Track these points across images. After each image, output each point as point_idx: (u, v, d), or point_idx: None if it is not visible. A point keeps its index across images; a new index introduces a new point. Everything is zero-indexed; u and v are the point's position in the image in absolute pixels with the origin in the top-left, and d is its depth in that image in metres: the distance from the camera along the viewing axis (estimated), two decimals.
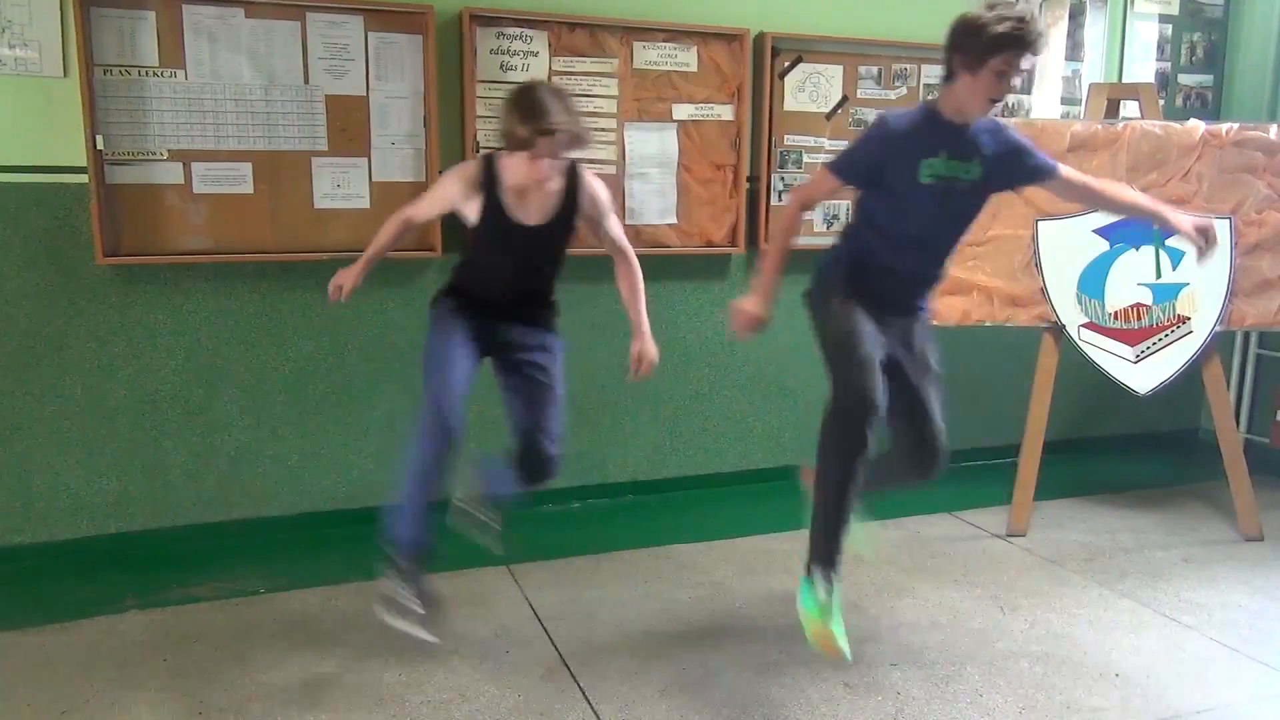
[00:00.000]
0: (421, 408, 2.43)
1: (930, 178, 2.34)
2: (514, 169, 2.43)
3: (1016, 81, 2.26)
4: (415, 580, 2.44)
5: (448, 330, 2.55)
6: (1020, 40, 2.18)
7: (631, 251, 2.71)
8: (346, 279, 2.66)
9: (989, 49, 2.19)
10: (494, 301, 2.60)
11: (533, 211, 2.51)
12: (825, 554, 2.31)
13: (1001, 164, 2.42)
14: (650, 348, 2.68)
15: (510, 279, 2.60)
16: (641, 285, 2.71)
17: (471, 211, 2.51)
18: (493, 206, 2.48)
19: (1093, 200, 2.67)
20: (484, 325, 2.58)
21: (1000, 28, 2.18)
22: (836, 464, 2.29)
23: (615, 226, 2.68)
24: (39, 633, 2.67)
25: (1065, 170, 2.53)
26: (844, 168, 2.42)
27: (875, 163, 2.37)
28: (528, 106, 2.31)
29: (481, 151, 2.50)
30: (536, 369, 2.63)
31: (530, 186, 2.46)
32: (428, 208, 2.62)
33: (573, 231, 2.60)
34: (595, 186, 2.59)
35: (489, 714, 2.30)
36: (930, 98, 2.55)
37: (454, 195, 2.52)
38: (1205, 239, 2.51)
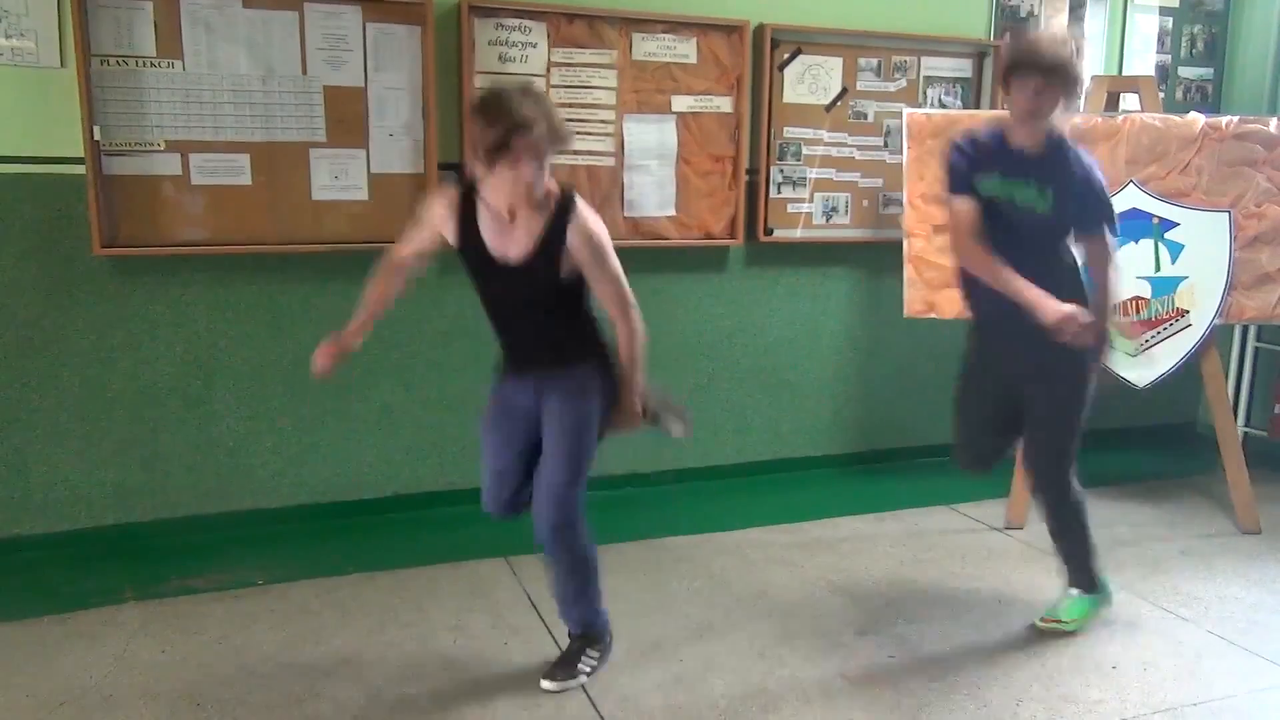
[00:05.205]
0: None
1: (988, 195, 2.44)
2: (496, 189, 2.15)
3: (1041, 102, 2.34)
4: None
5: (486, 414, 2.41)
6: (1024, 62, 2.33)
7: (631, 313, 2.27)
8: (328, 358, 2.30)
9: (1005, 69, 2.40)
10: (514, 358, 2.36)
11: (513, 247, 2.19)
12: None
13: (1071, 198, 2.44)
14: (634, 407, 2.36)
15: (503, 328, 2.33)
16: (639, 352, 2.31)
17: (452, 240, 2.26)
18: (469, 237, 2.21)
19: (1093, 271, 2.59)
20: (518, 392, 2.35)
21: (1012, 50, 2.40)
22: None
23: (606, 284, 2.24)
24: (37, 624, 2.67)
25: (1109, 238, 2.53)
26: (951, 183, 2.49)
27: (964, 171, 2.46)
28: (493, 106, 2.07)
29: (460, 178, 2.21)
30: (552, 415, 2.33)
31: (518, 212, 2.17)
32: (411, 237, 2.33)
33: (557, 272, 2.19)
34: (588, 226, 2.18)
35: (487, 706, 2.30)
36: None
37: (437, 216, 2.25)
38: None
